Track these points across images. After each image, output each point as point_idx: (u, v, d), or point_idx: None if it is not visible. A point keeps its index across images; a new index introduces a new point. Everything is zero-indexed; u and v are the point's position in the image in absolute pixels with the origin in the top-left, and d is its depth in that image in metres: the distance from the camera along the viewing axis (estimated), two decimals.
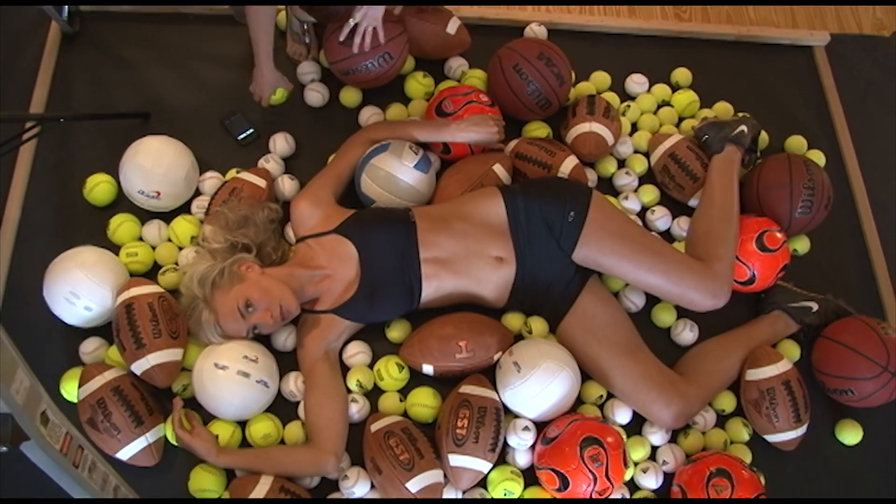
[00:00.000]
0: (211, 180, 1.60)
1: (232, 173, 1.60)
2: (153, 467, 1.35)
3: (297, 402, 1.44)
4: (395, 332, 1.50)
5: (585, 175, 1.65)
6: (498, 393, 1.41)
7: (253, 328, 1.34)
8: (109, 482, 1.07)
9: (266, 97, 1.56)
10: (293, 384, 1.43)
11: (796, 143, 1.83)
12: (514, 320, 1.53)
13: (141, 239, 1.56)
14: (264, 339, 1.45)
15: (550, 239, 1.43)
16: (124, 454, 1.31)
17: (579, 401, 1.48)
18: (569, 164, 1.62)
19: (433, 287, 1.41)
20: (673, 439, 1.49)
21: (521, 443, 1.40)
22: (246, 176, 1.56)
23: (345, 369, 1.47)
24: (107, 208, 1.57)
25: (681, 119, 1.85)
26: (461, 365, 1.41)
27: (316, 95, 1.70)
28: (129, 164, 1.50)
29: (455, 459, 1.33)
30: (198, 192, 1.61)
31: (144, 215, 1.57)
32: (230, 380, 1.32)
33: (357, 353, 1.47)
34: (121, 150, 1.54)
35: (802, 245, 1.69)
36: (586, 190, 1.49)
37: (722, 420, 1.52)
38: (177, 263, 1.54)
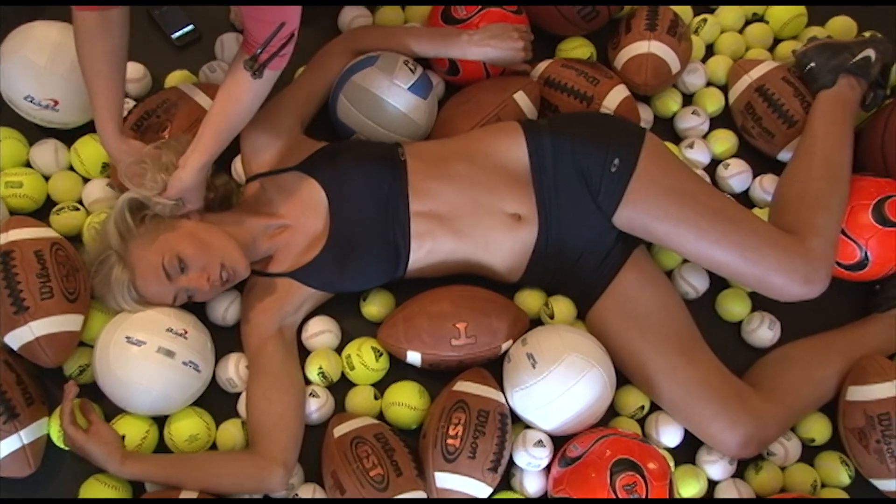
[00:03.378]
0: (134, 84, 1.57)
1: (172, 79, 1.58)
2: (26, 478, 1.32)
3: (238, 394, 1.43)
4: (373, 307, 1.50)
5: (637, 112, 1.64)
6: (504, 394, 1.41)
7: (183, 293, 1.33)
8: None
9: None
10: (233, 369, 1.42)
11: None
12: (531, 299, 1.52)
13: (28, 165, 1.53)
14: (197, 308, 1.43)
15: (585, 194, 1.42)
16: None
17: (612, 411, 1.48)
18: (616, 97, 1.60)
19: (425, 249, 1.41)
20: (739, 473, 1.49)
21: (532, 462, 1.39)
22: (185, 88, 1.53)
23: (303, 353, 1.46)
24: None
25: (777, 40, 1.83)
26: (458, 354, 1.41)
27: None
28: (13, 57, 1.44)
29: (443, 479, 1.33)
30: None
31: (34, 132, 1.54)
32: (147, 359, 1.29)
33: (321, 331, 1.47)
34: None
35: None
36: (637, 132, 1.47)
37: (810, 453, 1.51)
38: (80, 202, 1.51)
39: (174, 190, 1.33)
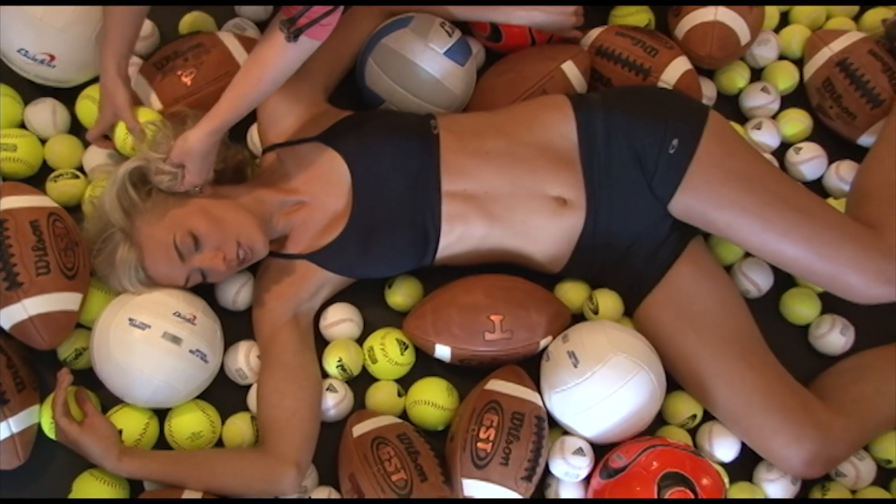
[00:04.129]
0: (141, 41, 1.54)
1: (191, 23, 1.58)
2: (14, 471, 1.32)
3: (248, 386, 1.43)
4: (399, 296, 1.49)
5: (699, 87, 1.62)
6: (542, 395, 1.41)
7: (196, 273, 1.33)
8: None
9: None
10: (243, 359, 1.42)
11: None
12: (573, 292, 1.52)
13: (23, 126, 1.52)
14: (205, 291, 1.42)
15: (640, 177, 1.41)
16: None
17: (660, 419, 1.47)
18: (676, 70, 1.58)
19: (456, 234, 1.40)
20: (803, 494, 1.48)
21: (570, 472, 1.39)
22: (224, 36, 1.52)
23: (321, 343, 1.46)
24: None
25: (864, 7, 1.79)
26: (492, 349, 1.40)
27: None
28: (5, 7, 1.42)
29: (472, 487, 1.33)
30: None
31: (30, 90, 1.53)
32: (151, 346, 1.29)
33: (341, 320, 1.46)
34: None
35: None
36: (699, 109, 1.46)
37: (886, 475, 1.50)
38: (80, 169, 1.50)
39: (177, 151, 1.30)
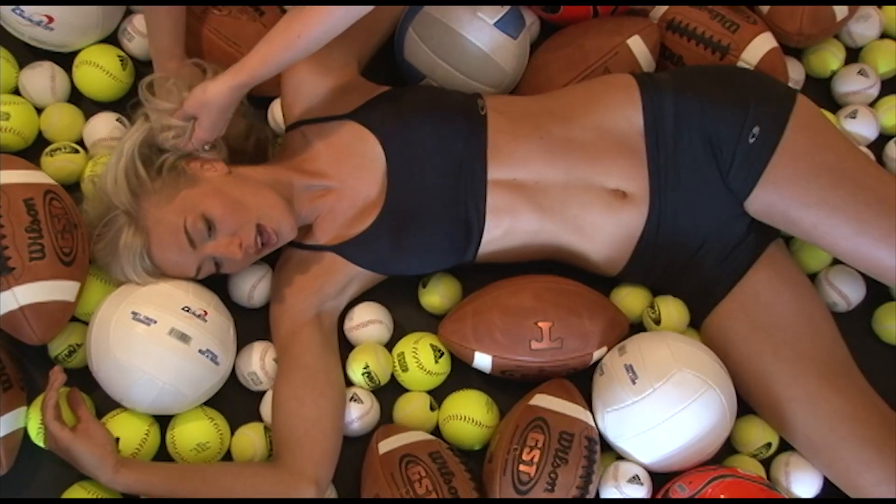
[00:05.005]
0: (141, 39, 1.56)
1: None
2: None
3: (263, 393, 1.43)
4: (435, 296, 1.48)
5: (785, 69, 1.59)
6: (594, 414, 1.40)
7: (209, 262, 1.32)
8: None
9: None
10: (258, 362, 1.41)
11: None
12: (632, 298, 1.50)
13: (17, 92, 1.52)
14: (218, 284, 1.42)
15: (713, 170, 1.39)
16: None
17: (729, 446, 1.45)
18: (759, 48, 1.56)
19: (502, 228, 1.39)
20: None
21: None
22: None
23: (346, 347, 1.46)
24: None
25: None
26: (538, 360, 1.39)
27: None
28: None
29: None
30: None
31: (25, 53, 1.53)
32: (156, 343, 1.28)
33: (369, 322, 1.46)
34: None
35: None
36: (785, 93, 1.43)
37: None
38: (80, 143, 1.50)
39: (192, 102, 1.30)
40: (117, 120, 1.47)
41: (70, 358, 1.37)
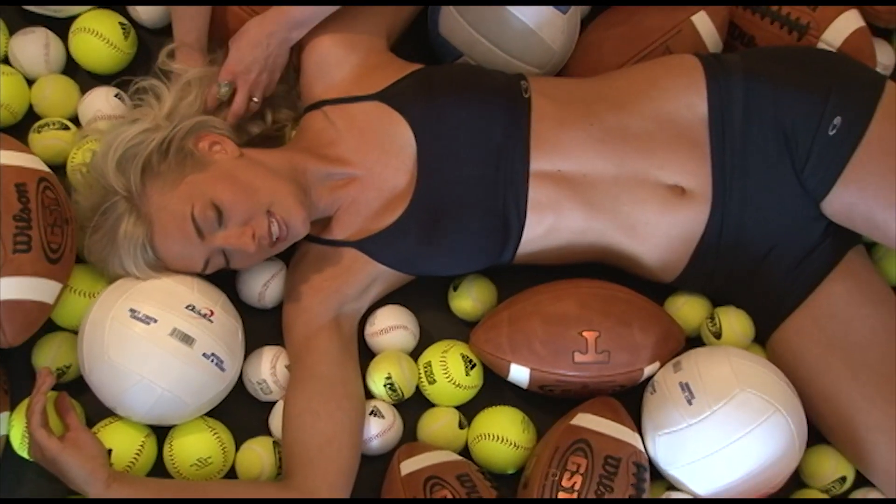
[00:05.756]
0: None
1: None
2: None
3: (273, 404, 1.42)
4: (467, 300, 1.46)
5: (873, 51, 1.57)
6: (643, 437, 1.38)
7: (218, 255, 1.31)
8: None
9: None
10: (268, 369, 1.39)
11: None
12: (689, 308, 1.49)
13: (7, 62, 1.51)
14: (225, 282, 1.40)
15: (787, 165, 1.37)
16: None
17: (797, 479, 1.43)
18: (843, 27, 1.54)
19: (545, 226, 1.37)
20: None
21: None
22: None
23: (366, 356, 1.45)
24: None
25: None
26: (582, 375, 1.37)
27: None
28: None
29: None
30: None
31: (16, 17, 1.53)
32: (156, 344, 1.26)
33: (392, 327, 1.44)
34: None
35: None
36: (872, 80, 1.41)
37: None
38: (75, 120, 1.49)
39: (242, 43, 1.36)
40: (116, 96, 1.45)
41: (60, 381, 1.36)
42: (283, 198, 1.30)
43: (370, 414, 1.38)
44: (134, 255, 1.29)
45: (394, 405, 1.41)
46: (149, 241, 1.29)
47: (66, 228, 1.30)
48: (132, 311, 1.26)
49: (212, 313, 1.30)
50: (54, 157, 1.44)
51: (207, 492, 1.29)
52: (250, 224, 1.28)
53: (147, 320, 1.25)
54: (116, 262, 1.30)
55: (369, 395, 1.41)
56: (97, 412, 1.35)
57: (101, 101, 1.47)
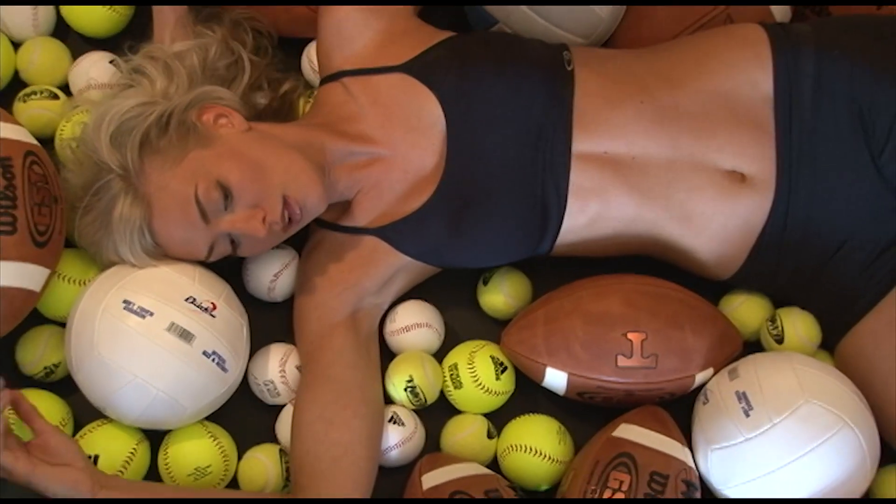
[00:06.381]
0: None
1: None
2: None
3: (281, 408, 1.40)
4: (499, 296, 1.44)
5: None
6: (694, 452, 1.35)
7: (224, 241, 1.28)
8: None
9: None
10: (276, 369, 1.38)
11: None
12: (747, 309, 1.46)
13: None
14: (230, 272, 1.38)
15: (862, 150, 1.33)
16: None
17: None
18: None
19: (589, 213, 1.35)
20: None
21: None
22: None
23: (386, 356, 1.43)
24: None
25: None
26: (625, 381, 1.35)
27: None
28: None
29: None
30: None
31: None
32: (151, 340, 1.24)
33: (415, 325, 1.42)
34: None
35: None
36: None
37: None
38: (65, 88, 1.49)
39: None
40: (111, 62, 1.43)
41: (47, 380, 1.36)
42: (297, 174, 1.28)
43: (389, 421, 1.36)
44: (130, 239, 1.26)
45: (415, 412, 1.39)
46: (146, 225, 1.26)
47: (54, 208, 1.28)
48: (126, 302, 1.24)
49: (214, 307, 1.28)
50: (41, 129, 1.42)
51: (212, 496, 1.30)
52: (261, 206, 1.26)
53: (142, 313, 1.23)
54: (110, 248, 1.28)
55: (388, 400, 1.39)
56: (85, 413, 1.33)
57: (95, 67, 1.46)
